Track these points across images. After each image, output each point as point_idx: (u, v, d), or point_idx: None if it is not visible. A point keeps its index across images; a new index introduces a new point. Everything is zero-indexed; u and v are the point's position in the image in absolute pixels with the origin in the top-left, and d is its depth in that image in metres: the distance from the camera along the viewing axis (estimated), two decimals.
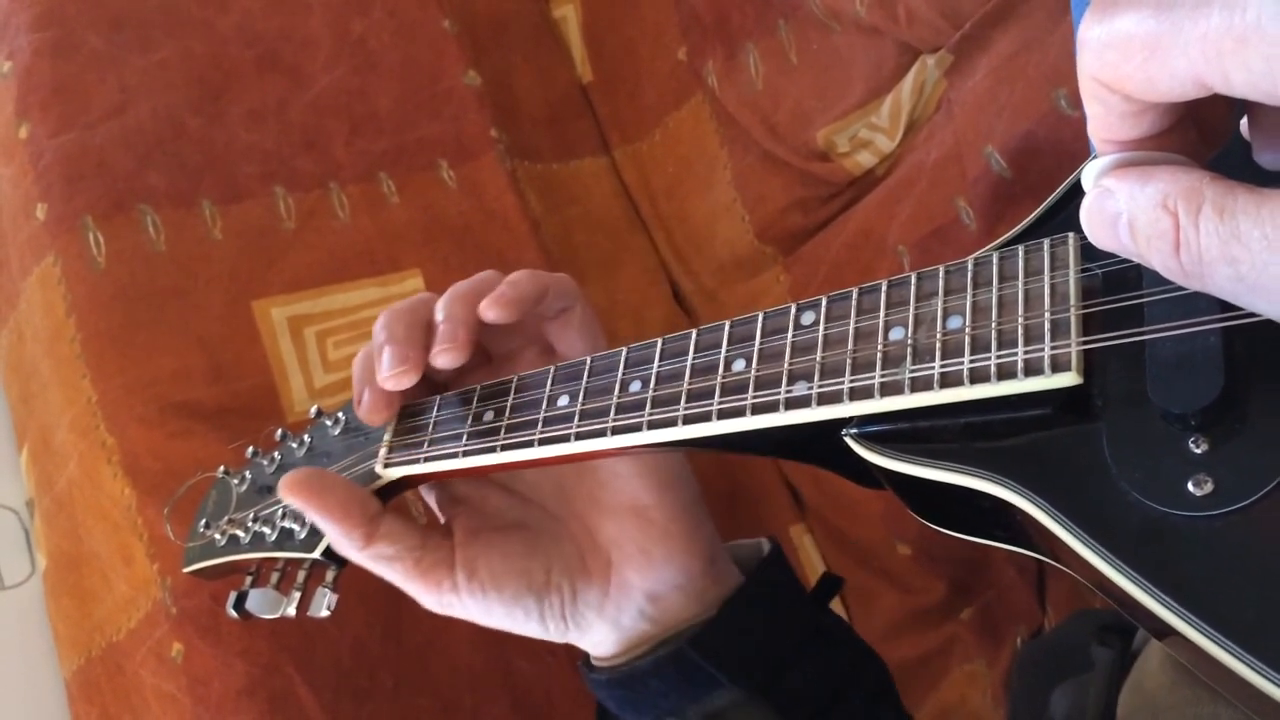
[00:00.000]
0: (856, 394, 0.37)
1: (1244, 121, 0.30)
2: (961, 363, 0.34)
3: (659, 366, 0.43)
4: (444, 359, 0.47)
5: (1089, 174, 0.29)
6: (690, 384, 0.42)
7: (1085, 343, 0.33)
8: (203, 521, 0.58)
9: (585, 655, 0.53)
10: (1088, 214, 0.28)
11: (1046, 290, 0.34)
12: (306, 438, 0.56)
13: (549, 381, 0.47)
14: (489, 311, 0.47)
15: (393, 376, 0.48)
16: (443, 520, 0.53)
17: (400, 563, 0.49)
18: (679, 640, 0.49)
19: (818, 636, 0.52)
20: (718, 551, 0.52)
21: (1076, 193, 0.37)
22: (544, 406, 0.46)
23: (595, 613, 0.50)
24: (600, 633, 0.50)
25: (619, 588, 0.50)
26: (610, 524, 0.50)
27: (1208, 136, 0.29)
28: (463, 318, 0.48)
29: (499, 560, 0.49)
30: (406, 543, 0.49)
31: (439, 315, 0.48)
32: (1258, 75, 0.23)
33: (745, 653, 0.49)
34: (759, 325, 0.41)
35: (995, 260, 0.36)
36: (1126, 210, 0.27)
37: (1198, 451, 0.30)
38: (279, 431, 0.58)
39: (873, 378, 0.36)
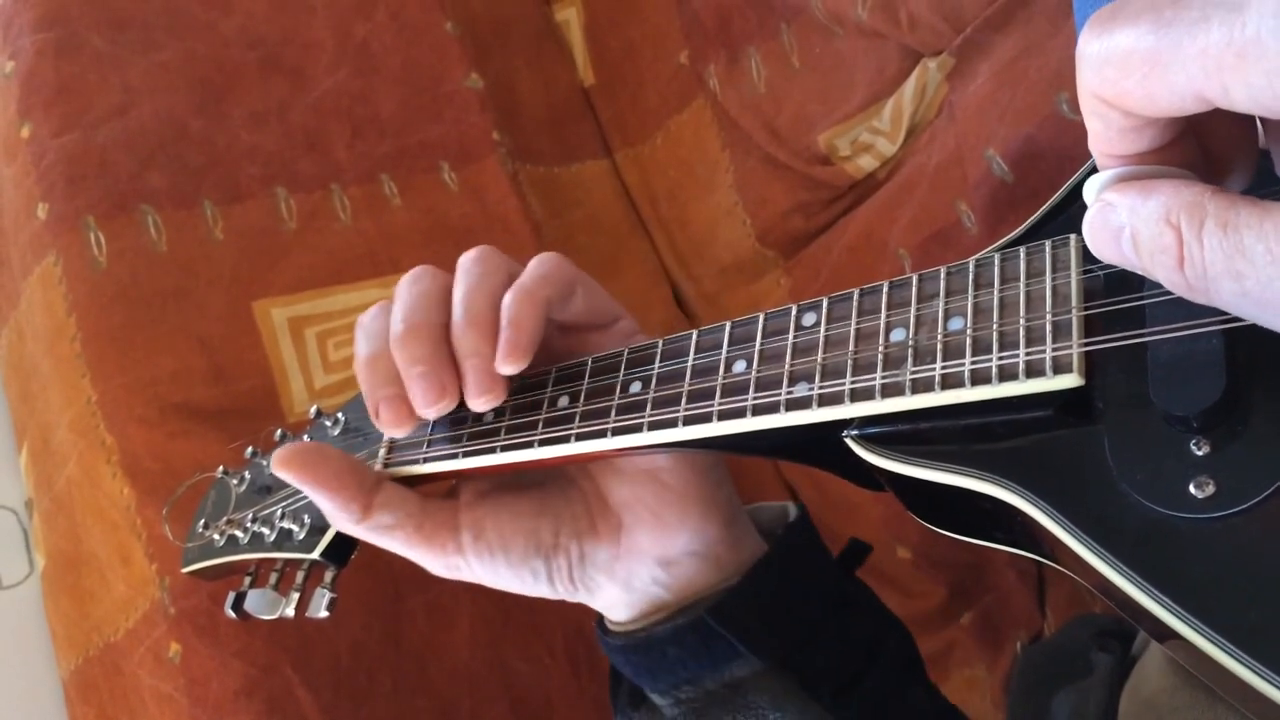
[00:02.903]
0: (858, 395, 0.36)
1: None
2: (963, 364, 0.34)
3: (659, 367, 0.43)
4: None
5: (1090, 188, 0.29)
6: (691, 385, 0.42)
7: (1087, 344, 0.33)
8: (201, 521, 0.58)
9: (600, 616, 0.52)
10: (1090, 228, 0.28)
11: (1048, 292, 0.34)
12: (306, 438, 0.56)
13: (549, 382, 0.47)
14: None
15: (433, 406, 0.45)
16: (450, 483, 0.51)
17: (401, 530, 0.47)
18: (698, 609, 0.47)
19: (844, 606, 0.50)
20: (737, 516, 0.50)
21: (1078, 194, 0.37)
22: (544, 407, 0.46)
23: (605, 575, 0.49)
24: (612, 595, 0.49)
25: (630, 551, 0.48)
26: (623, 486, 0.49)
27: (1213, 150, 0.29)
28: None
29: (507, 520, 0.48)
30: (406, 509, 0.47)
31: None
32: (1258, 90, 0.23)
33: (768, 623, 0.47)
34: (760, 326, 0.41)
35: (997, 262, 0.36)
36: (1129, 224, 0.27)
37: (1199, 453, 0.30)
38: (278, 432, 0.58)
39: (874, 379, 0.36)
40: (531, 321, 0.44)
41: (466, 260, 0.47)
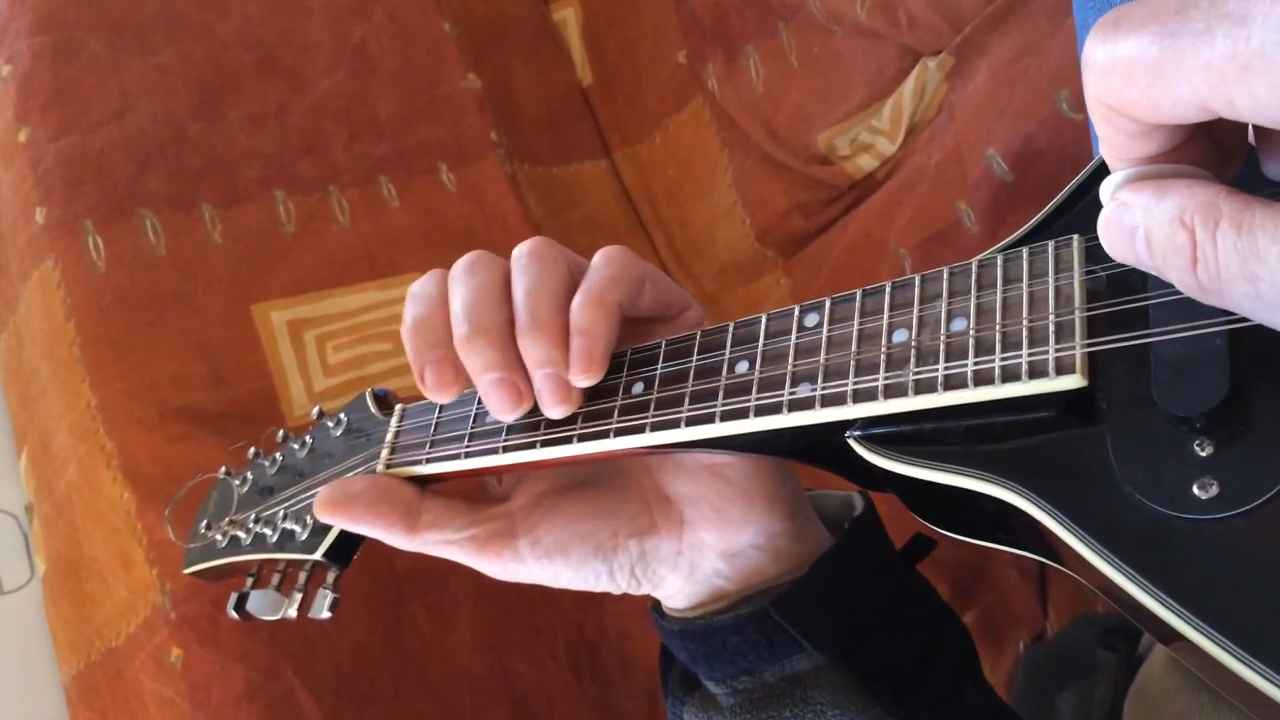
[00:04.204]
0: (860, 396, 0.36)
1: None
2: (965, 365, 0.34)
3: (662, 368, 0.43)
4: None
5: (1107, 187, 0.29)
6: (694, 386, 0.42)
7: (1090, 345, 0.33)
8: (204, 522, 0.58)
9: (655, 601, 0.51)
10: (1105, 227, 0.28)
11: (1051, 292, 0.34)
12: (308, 439, 0.56)
13: None
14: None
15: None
16: (500, 482, 0.51)
17: (455, 546, 0.47)
18: (762, 600, 0.46)
19: (906, 602, 0.49)
20: (800, 508, 0.49)
21: (1080, 195, 0.37)
22: None
23: (668, 569, 0.48)
24: (674, 586, 0.49)
25: (692, 546, 0.48)
26: (683, 481, 0.48)
27: (1224, 150, 0.29)
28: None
29: (563, 525, 0.47)
30: (455, 524, 0.47)
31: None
32: (1262, 103, 0.23)
33: (832, 617, 0.46)
34: (762, 327, 0.41)
35: (999, 262, 0.36)
36: (1143, 224, 0.27)
37: (1203, 454, 0.30)
38: (280, 432, 0.57)
39: (876, 380, 0.36)
40: (605, 329, 0.43)
41: (521, 256, 0.45)
